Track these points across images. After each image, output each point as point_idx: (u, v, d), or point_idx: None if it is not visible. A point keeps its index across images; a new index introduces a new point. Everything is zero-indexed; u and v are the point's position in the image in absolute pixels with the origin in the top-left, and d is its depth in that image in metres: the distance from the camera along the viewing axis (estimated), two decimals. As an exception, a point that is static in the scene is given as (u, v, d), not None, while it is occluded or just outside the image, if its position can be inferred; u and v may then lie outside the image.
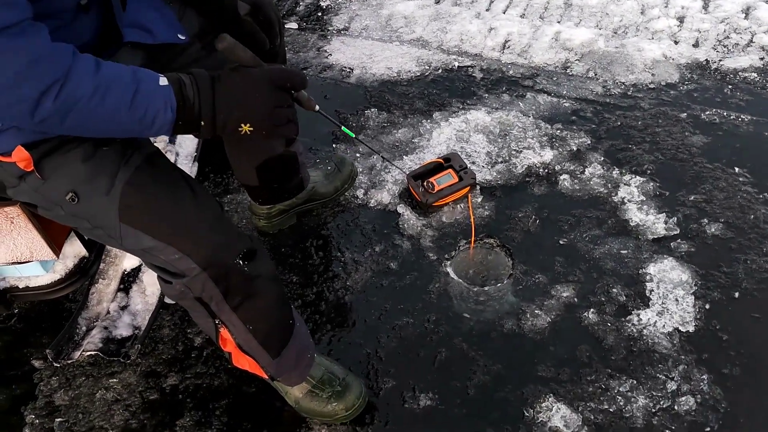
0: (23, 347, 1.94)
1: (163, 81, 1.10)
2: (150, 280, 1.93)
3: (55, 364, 1.77)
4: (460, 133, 2.34)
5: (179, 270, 1.24)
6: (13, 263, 1.46)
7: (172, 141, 2.12)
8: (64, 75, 1.00)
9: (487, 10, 2.86)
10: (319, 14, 2.96)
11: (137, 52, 1.36)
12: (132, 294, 1.92)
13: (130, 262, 1.97)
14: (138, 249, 1.23)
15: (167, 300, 1.98)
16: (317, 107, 1.31)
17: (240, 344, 1.42)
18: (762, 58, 2.53)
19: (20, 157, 1.16)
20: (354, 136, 1.52)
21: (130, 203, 1.18)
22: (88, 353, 1.76)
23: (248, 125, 1.15)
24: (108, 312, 1.89)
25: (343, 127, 1.47)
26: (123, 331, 1.83)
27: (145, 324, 1.84)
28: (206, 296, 1.28)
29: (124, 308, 1.90)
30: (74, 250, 1.58)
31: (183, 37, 1.39)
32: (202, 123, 1.14)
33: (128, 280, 1.95)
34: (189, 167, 2.09)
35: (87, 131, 1.11)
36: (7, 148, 1.16)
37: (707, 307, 1.82)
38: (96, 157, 1.18)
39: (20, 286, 1.55)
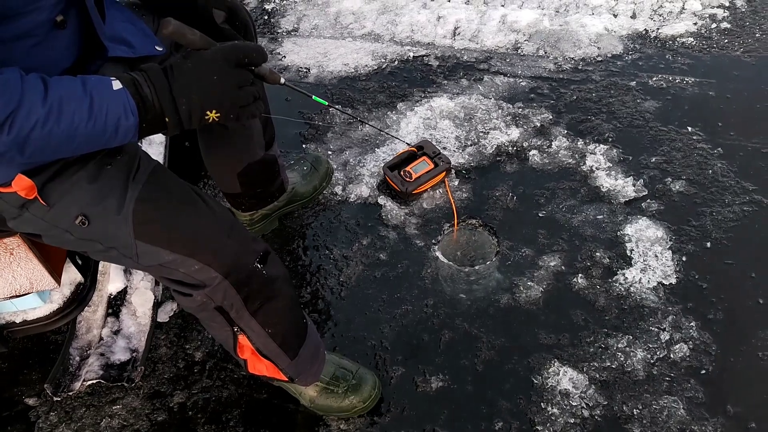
0: (13, 386, 1.86)
1: (117, 85, 1.04)
2: (139, 301, 1.89)
3: (56, 398, 1.71)
4: (427, 121, 2.38)
5: (199, 281, 1.23)
6: (10, 297, 1.40)
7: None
8: (16, 106, 0.94)
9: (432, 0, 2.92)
10: (266, 17, 2.94)
11: (119, 66, 1.34)
12: (123, 317, 1.88)
13: (114, 285, 1.93)
14: (155, 265, 1.21)
15: (160, 318, 1.95)
16: (283, 80, 1.24)
17: (259, 349, 1.42)
18: (695, 23, 2.69)
19: (21, 185, 1.12)
20: (327, 103, 1.47)
21: (145, 219, 1.16)
22: (89, 382, 1.71)
23: (214, 111, 1.09)
24: (101, 338, 1.83)
25: (314, 97, 1.42)
26: (121, 355, 1.79)
27: (143, 345, 1.80)
28: (227, 304, 1.28)
29: (117, 332, 1.85)
30: (70, 276, 1.53)
31: (160, 49, 1.38)
32: (167, 119, 1.08)
33: (116, 303, 1.90)
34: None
35: (51, 154, 1.05)
36: (6, 178, 1.11)
37: (684, 259, 1.94)
38: (102, 177, 1.16)
39: (17, 321, 1.49)
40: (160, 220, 1.18)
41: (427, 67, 2.62)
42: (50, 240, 1.21)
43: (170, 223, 1.19)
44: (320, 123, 2.42)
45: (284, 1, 3.00)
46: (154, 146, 2.15)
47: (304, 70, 2.66)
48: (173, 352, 1.89)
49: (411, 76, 2.59)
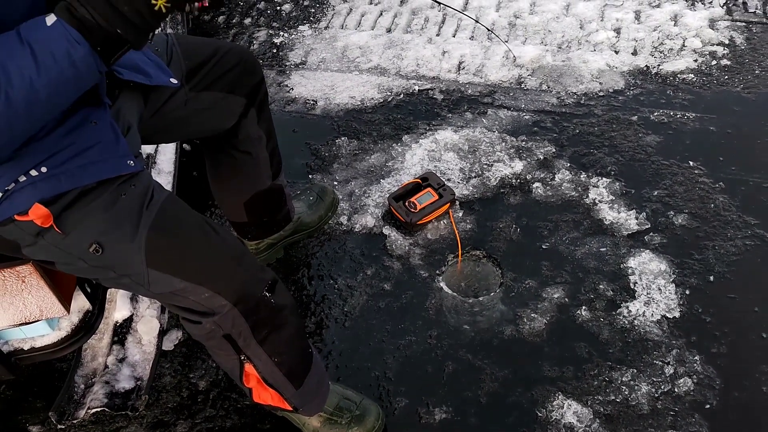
0: (17, 414, 1.86)
1: (50, 19, 0.95)
2: (145, 329, 1.90)
3: (60, 426, 1.71)
4: (431, 153, 2.42)
5: (209, 309, 1.25)
6: (20, 324, 1.41)
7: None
8: None
9: (437, 35, 2.98)
10: (275, 51, 3.00)
11: (136, 94, 1.38)
12: (128, 345, 1.88)
13: (120, 313, 1.93)
14: (167, 292, 1.23)
15: (165, 347, 1.96)
16: None
17: (265, 378, 1.42)
18: (696, 60, 2.74)
19: (38, 214, 1.14)
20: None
21: (157, 248, 1.19)
22: (94, 410, 1.71)
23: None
24: (106, 366, 1.84)
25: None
26: (125, 384, 1.79)
27: (147, 373, 1.80)
28: (235, 332, 1.29)
29: (122, 360, 1.85)
30: (78, 304, 1.55)
31: (175, 81, 1.42)
32: (119, 31, 0.97)
33: (121, 331, 1.91)
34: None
35: (32, 122, 0.99)
36: (23, 207, 1.14)
37: (687, 292, 1.95)
38: (117, 206, 1.18)
39: (25, 348, 1.50)
40: (171, 248, 1.20)
41: (432, 100, 2.67)
42: (63, 267, 1.23)
43: (182, 251, 1.21)
44: (325, 155, 2.46)
45: (293, 36, 3.06)
46: (163, 176, 2.18)
47: (311, 102, 2.71)
48: (177, 380, 1.89)
49: (416, 109, 2.64)
